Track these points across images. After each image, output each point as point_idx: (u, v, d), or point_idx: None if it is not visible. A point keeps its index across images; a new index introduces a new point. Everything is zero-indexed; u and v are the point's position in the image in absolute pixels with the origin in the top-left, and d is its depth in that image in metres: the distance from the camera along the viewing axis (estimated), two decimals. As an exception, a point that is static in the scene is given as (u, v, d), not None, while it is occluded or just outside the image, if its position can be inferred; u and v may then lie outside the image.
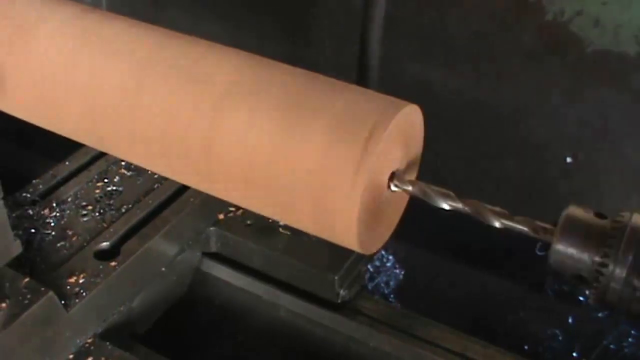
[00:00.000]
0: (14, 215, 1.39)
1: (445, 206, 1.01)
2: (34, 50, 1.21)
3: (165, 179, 1.47)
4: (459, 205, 1.00)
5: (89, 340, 1.27)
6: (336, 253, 1.38)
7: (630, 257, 0.89)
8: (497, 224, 0.98)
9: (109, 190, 1.47)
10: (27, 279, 1.19)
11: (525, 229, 0.97)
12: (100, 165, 1.54)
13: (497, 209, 0.99)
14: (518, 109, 1.76)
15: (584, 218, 0.94)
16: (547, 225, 0.96)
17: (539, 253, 1.05)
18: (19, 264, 1.23)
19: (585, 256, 0.92)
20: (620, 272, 0.89)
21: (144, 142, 1.14)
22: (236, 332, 1.47)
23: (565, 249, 0.93)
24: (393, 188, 1.03)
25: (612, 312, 0.93)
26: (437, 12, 1.77)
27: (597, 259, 0.91)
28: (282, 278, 1.46)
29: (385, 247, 1.13)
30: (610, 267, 0.90)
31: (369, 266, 1.52)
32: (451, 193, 1.02)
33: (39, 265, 1.29)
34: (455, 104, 1.83)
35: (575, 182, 1.73)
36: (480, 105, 1.80)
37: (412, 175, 1.10)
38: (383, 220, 1.07)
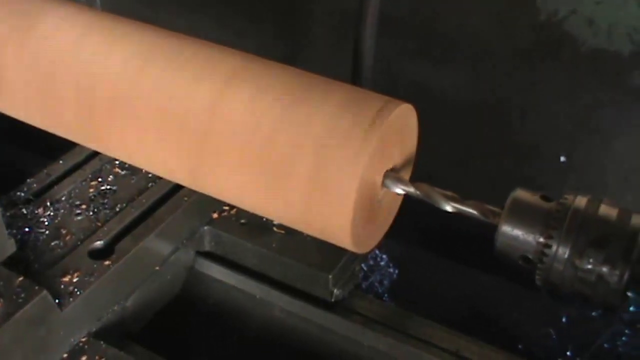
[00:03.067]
0: (7, 214, 1.39)
1: (399, 191, 1.03)
2: (30, 50, 1.21)
3: (160, 178, 1.47)
4: (411, 189, 1.03)
5: (83, 339, 1.27)
6: (330, 252, 1.39)
7: (572, 238, 0.92)
8: (448, 208, 1.01)
9: (103, 189, 1.47)
10: (21, 278, 1.19)
11: (475, 212, 0.99)
12: (94, 164, 1.53)
13: (448, 192, 1.02)
14: (512, 108, 1.77)
15: (530, 200, 0.97)
16: (496, 209, 0.98)
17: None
18: (12, 263, 1.23)
19: (530, 238, 0.95)
20: (562, 252, 0.92)
21: (140, 132, 1.14)
22: (230, 331, 1.47)
23: (511, 231, 0.96)
24: (386, 187, 1.04)
25: (556, 293, 0.95)
26: (431, 12, 1.77)
27: (541, 240, 0.94)
28: (276, 277, 1.46)
29: (379, 246, 1.13)
30: (554, 248, 0.92)
31: (363, 265, 1.52)
32: (404, 178, 1.04)
33: (33, 264, 1.29)
34: (450, 103, 1.83)
35: (570, 181, 1.74)
36: (474, 104, 1.81)
37: (407, 174, 1.10)
38: (377, 219, 1.07)
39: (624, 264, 0.90)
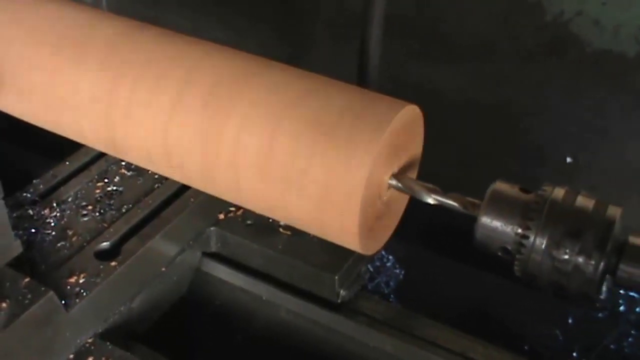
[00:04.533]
0: (14, 215, 1.39)
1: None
2: (29, 50, 1.21)
3: (166, 179, 1.47)
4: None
5: (90, 340, 1.27)
6: (336, 253, 1.38)
7: (549, 229, 0.94)
8: (429, 200, 1.03)
9: (109, 190, 1.47)
10: (27, 279, 1.19)
11: (455, 204, 1.02)
12: (100, 165, 1.53)
13: (430, 185, 1.04)
14: (518, 109, 1.77)
15: (509, 192, 1.00)
16: (476, 201, 1.01)
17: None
18: (19, 264, 1.23)
19: (508, 229, 0.97)
20: (540, 243, 0.94)
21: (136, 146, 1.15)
22: (236, 332, 1.47)
23: (490, 222, 0.98)
24: (392, 188, 1.04)
25: (534, 284, 0.97)
26: (437, 12, 1.77)
27: (519, 231, 0.96)
28: (283, 278, 1.46)
29: (385, 247, 1.13)
30: (531, 238, 0.95)
31: (369, 266, 1.52)
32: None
33: (39, 265, 1.29)
34: (455, 104, 1.83)
35: (575, 182, 1.74)
36: (480, 105, 1.80)
37: (413, 175, 1.10)
38: (384, 220, 1.07)
39: (599, 254, 0.92)
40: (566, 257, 0.93)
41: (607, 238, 0.93)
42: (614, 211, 0.95)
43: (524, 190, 1.00)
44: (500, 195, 0.99)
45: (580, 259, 0.93)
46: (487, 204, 0.99)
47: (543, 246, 0.94)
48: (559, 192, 0.97)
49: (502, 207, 0.98)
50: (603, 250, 0.92)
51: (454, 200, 1.02)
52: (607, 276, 0.95)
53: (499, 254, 1.00)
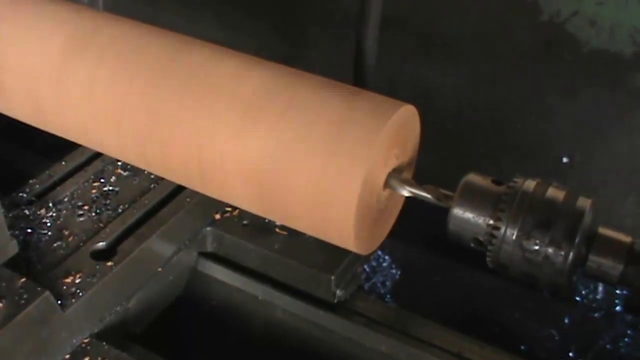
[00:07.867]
0: (10, 215, 1.39)
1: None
2: (28, 52, 1.21)
3: (162, 179, 1.47)
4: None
5: (86, 340, 1.27)
6: (333, 253, 1.38)
7: (520, 220, 0.95)
8: (404, 193, 1.04)
9: (105, 190, 1.47)
10: (23, 279, 1.19)
11: (429, 196, 1.03)
12: (96, 165, 1.53)
13: (405, 177, 1.05)
14: (514, 109, 1.77)
15: (481, 184, 1.01)
16: (449, 193, 1.02)
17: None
18: (15, 264, 1.23)
19: (480, 220, 0.99)
20: (510, 234, 0.96)
21: (136, 144, 1.14)
22: (232, 332, 1.47)
23: (462, 214, 1.00)
24: (389, 188, 1.04)
25: (507, 274, 0.98)
26: (433, 12, 1.77)
27: (491, 222, 0.98)
28: (279, 278, 1.46)
29: (381, 247, 1.13)
30: (502, 229, 0.96)
31: (365, 266, 1.52)
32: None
33: (36, 265, 1.29)
34: (452, 104, 1.83)
35: (572, 181, 1.74)
36: (476, 105, 1.81)
37: (409, 175, 1.10)
38: (380, 220, 1.07)
39: (569, 245, 0.94)
40: (536, 247, 0.95)
41: (576, 229, 0.94)
42: (584, 202, 0.96)
43: (496, 182, 1.02)
44: (473, 187, 1.01)
45: (550, 250, 0.94)
46: (459, 196, 1.01)
47: (514, 237, 0.96)
48: (530, 184, 0.98)
49: (474, 198, 1.00)
50: (572, 241, 0.94)
51: (428, 192, 1.03)
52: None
53: (472, 245, 1.01)
